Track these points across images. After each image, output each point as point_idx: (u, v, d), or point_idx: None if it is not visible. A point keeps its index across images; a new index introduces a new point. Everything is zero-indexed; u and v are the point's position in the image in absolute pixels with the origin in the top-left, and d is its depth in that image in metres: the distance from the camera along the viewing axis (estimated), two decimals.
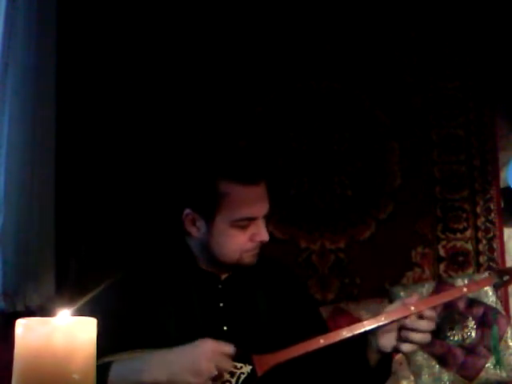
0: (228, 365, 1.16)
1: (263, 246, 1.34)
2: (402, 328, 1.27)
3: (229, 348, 1.17)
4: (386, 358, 1.33)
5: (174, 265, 1.37)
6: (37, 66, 2.14)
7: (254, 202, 1.29)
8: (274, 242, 1.36)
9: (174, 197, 1.49)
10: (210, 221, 1.30)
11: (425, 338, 1.26)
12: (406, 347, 1.27)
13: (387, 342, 1.28)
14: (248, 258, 1.33)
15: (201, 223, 1.32)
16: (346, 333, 1.27)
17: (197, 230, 1.33)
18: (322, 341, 1.25)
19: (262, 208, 1.31)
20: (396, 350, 1.29)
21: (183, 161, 2.42)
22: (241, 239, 1.30)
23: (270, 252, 1.43)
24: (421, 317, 1.26)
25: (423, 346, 1.33)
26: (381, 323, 1.27)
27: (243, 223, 1.29)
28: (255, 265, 1.36)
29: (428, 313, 1.26)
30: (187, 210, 1.33)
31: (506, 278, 1.39)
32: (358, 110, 2.79)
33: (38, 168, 2.13)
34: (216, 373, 1.13)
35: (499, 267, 2.66)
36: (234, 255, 1.31)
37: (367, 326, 1.27)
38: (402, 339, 1.26)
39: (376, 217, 2.72)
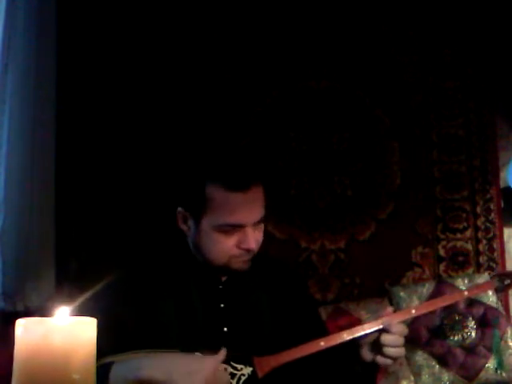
0: None
1: (262, 249, 1.33)
2: (374, 342, 1.26)
3: (227, 379, 1.16)
4: (372, 367, 1.31)
5: (174, 264, 1.37)
6: (37, 66, 2.14)
7: (240, 210, 1.26)
8: (274, 242, 1.35)
9: (168, 195, 1.49)
10: (197, 222, 1.30)
11: (396, 352, 1.25)
12: (380, 360, 1.26)
13: (366, 353, 1.28)
14: (237, 264, 1.30)
15: (191, 222, 1.32)
16: (346, 335, 1.26)
17: (188, 229, 1.34)
18: (322, 343, 1.25)
19: (249, 216, 1.27)
20: (374, 362, 1.28)
21: (177, 161, 2.43)
22: (225, 244, 1.28)
23: (269, 252, 1.43)
24: (390, 331, 1.24)
25: (397, 359, 1.31)
26: (381, 326, 1.26)
27: (227, 229, 1.26)
28: (256, 265, 1.35)
29: (395, 328, 1.25)
30: (179, 209, 1.34)
31: (507, 281, 1.40)
32: (357, 110, 2.79)
33: (37, 168, 2.13)
34: None
35: (501, 271, 2.66)
36: (221, 259, 1.30)
37: (367, 328, 1.27)
38: (375, 351, 1.26)
39: (376, 217, 2.72)
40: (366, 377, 1.34)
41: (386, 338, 1.24)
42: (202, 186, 1.27)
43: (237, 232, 1.27)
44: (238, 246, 1.28)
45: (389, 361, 1.26)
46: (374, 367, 1.32)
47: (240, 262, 1.30)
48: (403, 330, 1.26)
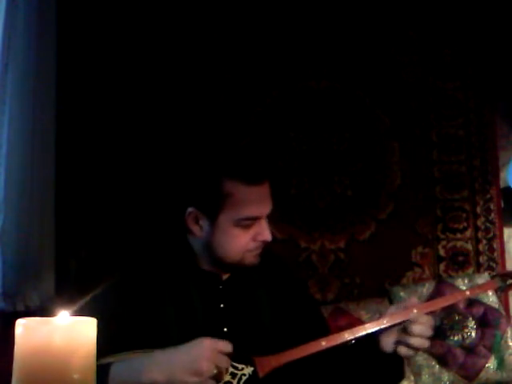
0: (227, 363, 1.16)
1: (265, 246, 1.34)
2: (401, 331, 1.27)
3: (227, 346, 1.16)
4: (396, 359, 1.31)
5: (174, 265, 1.37)
6: (37, 66, 2.14)
7: (257, 202, 1.29)
8: (274, 241, 1.35)
9: (177, 195, 1.48)
10: (213, 220, 1.30)
11: (421, 343, 1.26)
12: (402, 350, 1.26)
13: (388, 343, 1.28)
14: (250, 259, 1.32)
15: (204, 222, 1.32)
16: (347, 335, 1.26)
17: (199, 229, 1.33)
18: (323, 343, 1.25)
19: (265, 207, 1.31)
20: (396, 352, 1.28)
21: (188, 159, 2.41)
22: (243, 239, 1.29)
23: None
24: (417, 322, 1.25)
25: (422, 350, 1.32)
26: (382, 326, 1.26)
27: (247, 223, 1.29)
28: (257, 264, 1.35)
29: (423, 318, 1.26)
30: (190, 209, 1.32)
31: (509, 281, 1.40)
32: (357, 110, 2.79)
33: (37, 168, 2.13)
34: (215, 372, 1.13)
35: (503, 271, 2.66)
36: (237, 255, 1.31)
37: (369, 328, 1.27)
38: (400, 342, 1.27)
39: (376, 217, 2.72)
40: (392, 369, 1.34)
41: (415, 328, 1.24)
42: (218, 182, 1.28)
43: (253, 225, 1.29)
44: (254, 239, 1.30)
45: (411, 352, 1.27)
46: (398, 359, 1.32)
47: (252, 256, 1.32)
48: (430, 320, 1.28)
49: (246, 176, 1.28)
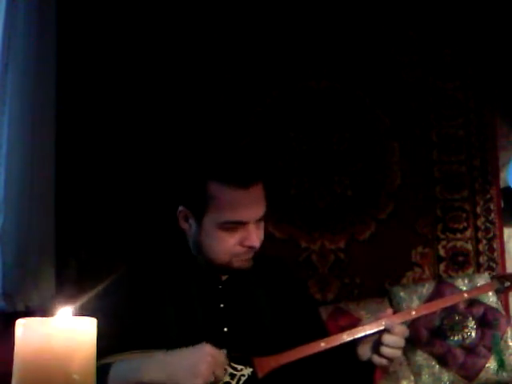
0: (223, 374, 1.17)
1: (261, 248, 1.33)
2: (373, 341, 1.27)
3: (225, 359, 1.17)
4: (368, 366, 1.32)
5: (174, 265, 1.37)
6: (37, 66, 2.14)
7: (242, 206, 1.26)
8: (274, 241, 1.35)
9: (169, 193, 1.48)
10: (199, 220, 1.30)
11: (394, 353, 1.26)
12: (375, 359, 1.27)
13: (364, 351, 1.28)
14: (238, 263, 1.31)
15: (193, 221, 1.32)
16: (346, 336, 1.27)
17: (189, 228, 1.34)
18: (322, 344, 1.26)
19: (252, 213, 1.28)
20: (370, 361, 1.29)
21: (178, 159, 2.43)
22: (228, 242, 1.28)
23: (269, 252, 1.43)
24: (392, 332, 1.25)
25: (394, 360, 1.32)
26: (381, 327, 1.26)
27: (230, 226, 1.27)
28: (256, 265, 1.35)
29: (397, 329, 1.26)
30: (181, 207, 1.33)
31: (507, 284, 1.40)
32: (358, 110, 2.79)
33: (37, 168, 2.13)
34: (213, 379, 1.13)
35: (501, 273, 2.66)
36: (223, 258, 1.30)
37: (368, 329, 1.27)
38: (374, 351, 1.27)
39: (376, 217, 2.72)
40: (363, 376, 1.35)
41: (387, 338, 1.24)
42: (203, 184, 1.27)
43: (239, 230, 1.27)
44: (240, 243, 1.28)
45: (384, 361, 1.26)
46: (370, 367, 1.32)
47: (241, 260, 1.31)
48: (404, 331, 1.27)
49: (231, 179, 1.26)
